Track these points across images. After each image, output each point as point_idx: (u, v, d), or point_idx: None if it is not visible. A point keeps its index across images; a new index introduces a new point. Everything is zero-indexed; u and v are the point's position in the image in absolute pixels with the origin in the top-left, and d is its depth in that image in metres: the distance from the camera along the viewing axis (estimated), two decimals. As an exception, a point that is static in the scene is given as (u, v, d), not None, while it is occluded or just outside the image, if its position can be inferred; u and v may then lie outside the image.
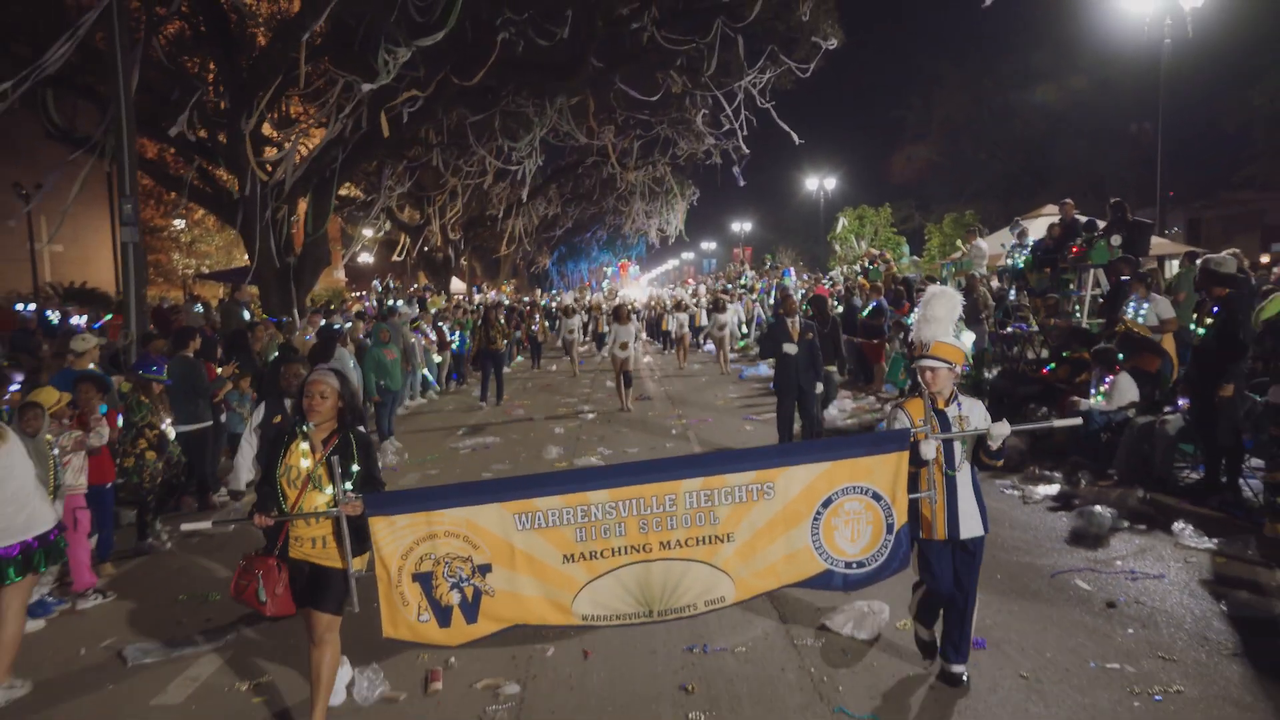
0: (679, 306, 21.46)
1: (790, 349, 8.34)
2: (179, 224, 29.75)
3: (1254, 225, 36.98)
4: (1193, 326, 6.84)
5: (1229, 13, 21.32)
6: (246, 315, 12.07)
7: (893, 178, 37.66)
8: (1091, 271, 10.18)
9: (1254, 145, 23.37)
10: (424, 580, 3.77)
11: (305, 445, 3.81)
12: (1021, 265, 11.70)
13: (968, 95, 33.23)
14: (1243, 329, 5.97)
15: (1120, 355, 7.80)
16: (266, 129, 17.62)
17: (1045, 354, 9.54)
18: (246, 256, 32.35)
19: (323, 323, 11.04)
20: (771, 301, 21.25)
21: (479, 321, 15.49)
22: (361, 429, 4.03)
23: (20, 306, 11.38)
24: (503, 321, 16.83)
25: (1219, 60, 22.60)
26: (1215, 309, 6.20)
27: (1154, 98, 26.77)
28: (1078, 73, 26.26)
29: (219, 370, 8.43)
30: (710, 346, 21.59)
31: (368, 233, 28.52)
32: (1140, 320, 8.02)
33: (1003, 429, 3.84)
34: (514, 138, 20.32)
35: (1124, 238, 9.99)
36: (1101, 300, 10.00)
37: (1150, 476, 6.91)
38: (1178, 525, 5.95)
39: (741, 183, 22.98)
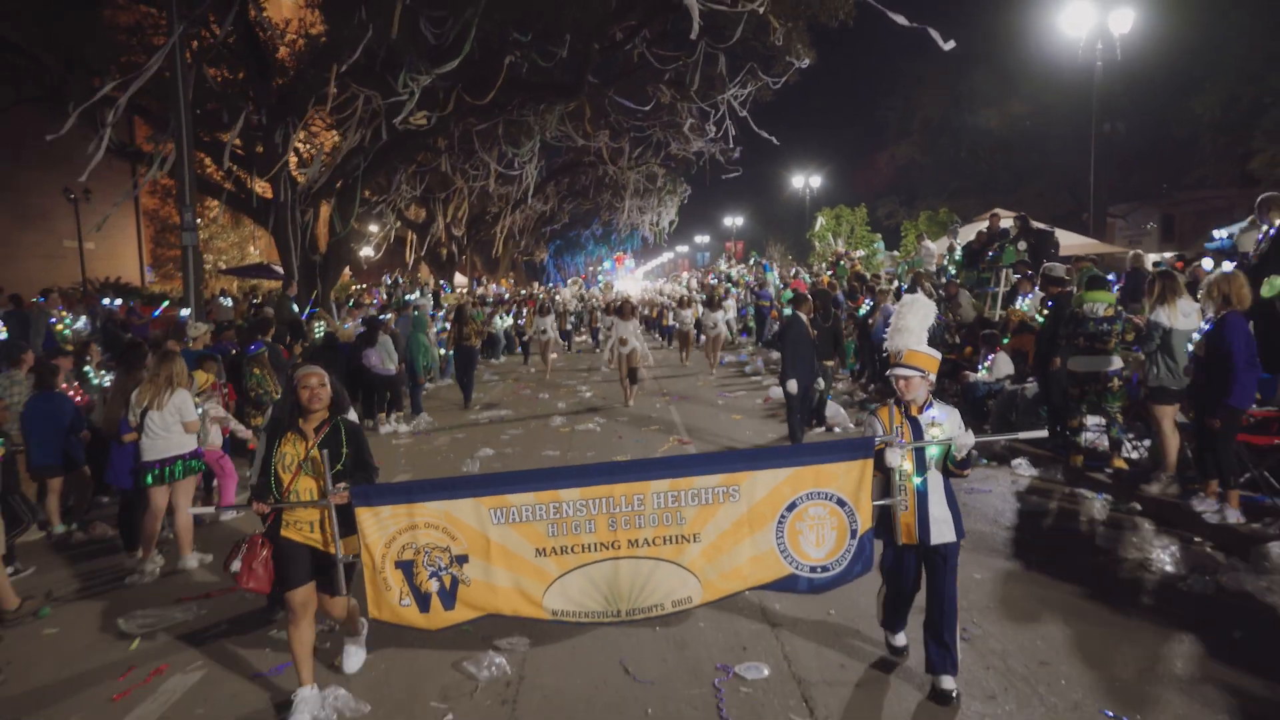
0: (683, 303, 21.45)
1: (793, 387, 8.91)
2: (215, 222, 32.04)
3: (1225, 219, 39.44)
4: (1039, 317, 9.20)
5: (1172, 28, 23.74)
6: (294, 308, 14.39)
7: (877, 175, 40.04)
8: (1004, 271, 12.55)
9: (1202, 149, 25.78)
10: (406, 568, 4.08)
11: (297, 434, 4.20)
12: (954, 265, 14.08)
13: (946, 97, 35.50)
14: (1076, 321, 8.33)
15: (1005, 339, 10.21)
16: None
17: (957, 339, 11.91)
18: (257, 252, 34.59)
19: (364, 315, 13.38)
20: (755, 293, 23.52)
21: (452, 318, 15.14)
22: (350, 417, 4.38)
23: (106, 301, 13.66)
24: (479, 319, 17.09)
25: (1168, 70, 24.99)
26: (1049, 303, 8.59)
27: (1119, 101, 29.31)
28: (1040, 82, 28.60)
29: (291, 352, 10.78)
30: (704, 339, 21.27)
31: (374, 229, 30.88)
32: (1024, 309, 10.41)
33: (967, 439, 3.98)
34: (516, 144, 22.66)
35: (1029, 244, 12.39)
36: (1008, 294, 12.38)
37: (1012, 428, 9.30)
38: (1016, 461, 8.36)
39: (739, 171, 24.94)
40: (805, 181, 36.60)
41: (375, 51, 16.67)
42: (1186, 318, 6.52)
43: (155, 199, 30.72)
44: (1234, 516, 6.01)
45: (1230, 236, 9.01)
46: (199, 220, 30.88)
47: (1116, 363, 7.35)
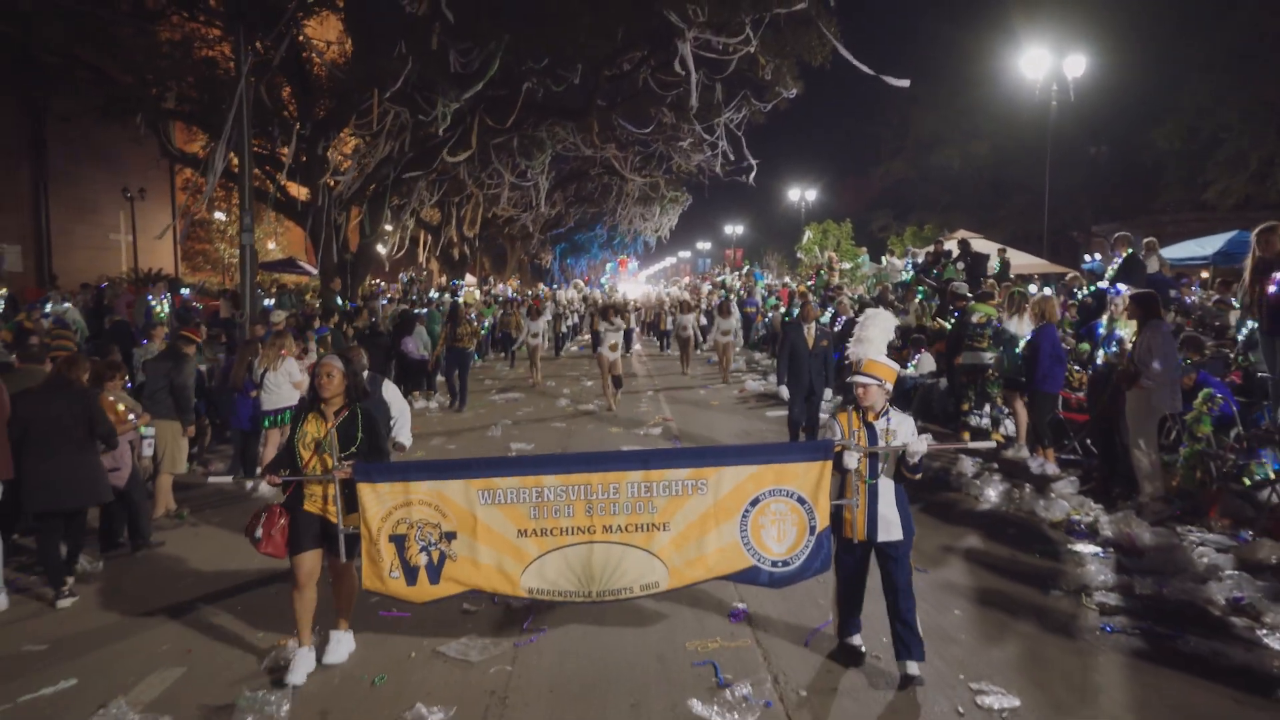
0: (684, 308, 21.07)
1: (784, 393, 9.56)
2: (220, 216, 34.69)
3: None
4: (949, 325, 11.75)
5: (1140, 61, 26.41)
6: (339, 300, 16.99)
7: (871, 188, 42.64)
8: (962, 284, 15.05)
9: (1166, 177, 28.39)
10: (398, 542, 4.53)
11: (318, 417, 4.71)
12: (908, 280, 16.65)
13: (939, 116, 38.07)
14: (965, 326, 10.87)
15: (931, 342, 12.77)
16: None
17: (898, 341, 14.41)
18: (274, 247, 37.09)
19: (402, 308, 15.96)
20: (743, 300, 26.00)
21: (446, 318, 14.99)
22: (367, 405, 4.89)
23: (183, 291, 16.29)
24: (472, 319, 16.95)
25: (1135, 100, 27.67)
26: (955, 313, 11.16)
27: (1103, 123, 31.93)
28: (1005, 119, 31.30)
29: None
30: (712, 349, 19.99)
31: (388, 227, 33.49)
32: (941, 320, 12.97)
33: (919, 446, 4.33)
34: (529, 156, 25.29)
35: (966, 264, 14.95)
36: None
37: (931, 414, 11.87)
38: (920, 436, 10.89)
39: (752, 183, 26.42)
40: (801, 194, 39.19)
41: (408, 75, 19.27)
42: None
43: (184, 194, 33.36)
44: (1051, 468, 8.57)
45: (1099, 260, 11.57)
46: (225, 216, 33.49)
47: (989, 358, 9.91)
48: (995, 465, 9.32)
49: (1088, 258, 11.89)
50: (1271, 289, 6.41)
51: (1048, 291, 9.78)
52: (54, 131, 23.78)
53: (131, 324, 14.23)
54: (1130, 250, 10.38)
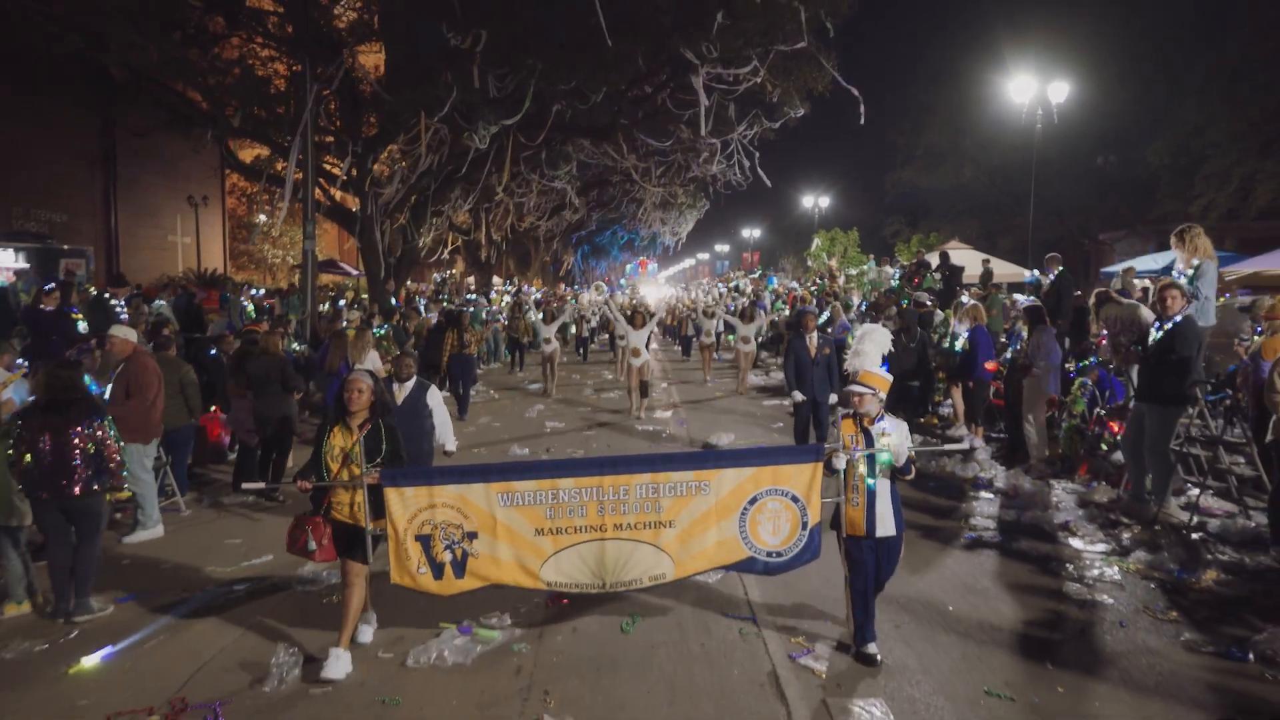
0: (706, 313, 21.06)
1: (797, 397, 9.74)
2: (263, 218, 37.56)
3: (1217, 246, 44.16)
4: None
5: (1140, 83, 28.70)
6: (393, 300, 19.65)
7: (885, 194, 44.93)
8: (923, 293, 17.47)
9: (1161, 190, 30.53)
10: (424, 541, 4.96)
11: (344, 429, 5.03)
12: (896, 286, 19.07)
13: (952, 126, 40.25)
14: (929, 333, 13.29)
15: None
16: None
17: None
18: (304, 246, 39.67)
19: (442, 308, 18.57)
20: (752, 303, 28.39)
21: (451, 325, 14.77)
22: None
23: (254, 290, 18.98)
24: (481, 321, 17.52)
25: (1137, 119, 29.97)
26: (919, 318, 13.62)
27: (1108, 136, 34.15)
28: (999, 140, 33.66)
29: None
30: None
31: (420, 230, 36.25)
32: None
33: (901, 449, 4.78)
34: (555, 167, 27.90)
35: (944, 275, 17.35)
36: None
37: (903, 404, 14.30)
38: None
39: (769, 183, 28.52)
40: (815, 200, 41.53)
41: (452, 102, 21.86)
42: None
43: (232, 199, 36.21)
44: (977, 442, 11.00)
45: (1037, 275, 13.95)
46: (268, 218, 36.25)
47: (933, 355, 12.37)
48: (941, 444, 11.78)
49: (1026, 274, 14.20)
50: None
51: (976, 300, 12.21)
52: (122, 142, 26.64)
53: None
54: (1061, 269, 12.76)
